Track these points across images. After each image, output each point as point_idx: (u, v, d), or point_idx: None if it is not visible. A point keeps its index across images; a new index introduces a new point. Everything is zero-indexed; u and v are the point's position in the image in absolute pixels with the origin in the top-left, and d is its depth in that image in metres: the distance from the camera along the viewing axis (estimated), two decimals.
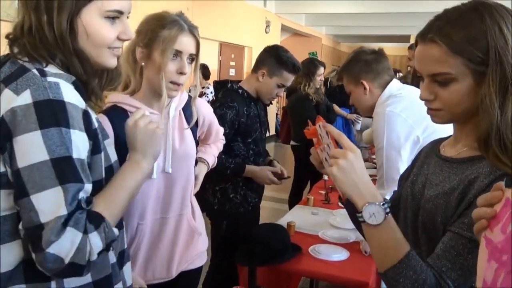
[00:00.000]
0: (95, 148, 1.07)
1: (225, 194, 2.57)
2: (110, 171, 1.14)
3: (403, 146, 2.02)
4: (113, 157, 1.18)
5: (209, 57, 8.76)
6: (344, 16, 12.14)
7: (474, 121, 1.01)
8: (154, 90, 1.60)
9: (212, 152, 2.08)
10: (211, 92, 7.24)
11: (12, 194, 0.98)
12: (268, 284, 2.19)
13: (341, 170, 0.97)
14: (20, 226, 0.97)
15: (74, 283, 1.05)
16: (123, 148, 1.24)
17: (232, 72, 10.17)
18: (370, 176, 1.04)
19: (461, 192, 1.00)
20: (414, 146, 2.01)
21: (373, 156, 3.70)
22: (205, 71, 7.52)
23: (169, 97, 1.60)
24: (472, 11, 1.00)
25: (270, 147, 9.58)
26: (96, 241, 0.98)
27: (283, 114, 5.68)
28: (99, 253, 1.00)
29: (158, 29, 1.54)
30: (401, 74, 7.88)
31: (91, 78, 1.12)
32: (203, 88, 7.39)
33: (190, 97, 1.79)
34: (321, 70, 4.70)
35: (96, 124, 1.09)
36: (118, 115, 1.56)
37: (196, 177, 1.87)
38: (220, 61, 9.81)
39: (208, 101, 5.29)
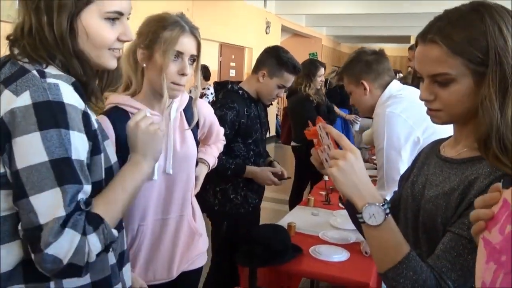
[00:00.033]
0: (95, 149, 1.07)
1: (226, 195, 2.57)
2: (110, 172, 1.14)
3: (403, 146, 2.02)
4: (113, 158, 1.18)
5: (210, 58, 8.76)
6: (344, 17, 12.14)
7: (474, 122, 1.02)
8: (155, 91, 1.60)
9: (213, 153, 2.08)
10: (212, 93, 7.25)
11: (11, 194, 0.98)
12: (268, 284, 2.19)
13: (341, 171, 0.97)
14: (19, 227, 0.97)
15: (73, 283, 1.05)
16: (124, 149, 1.24)
17: (232, 73, 10.18)
18: (370, 177, 1.04)
19: (461, 192, 1.00)
20: (415, 147, 2.01)
21: (374, 157, 3.69)
22: (205, 72, 7.53)
23: (170, 98, 1.60)
24: (472, 12, 1.00)
25: (270, 148, 9.58)
26: (94, 243, 0.98)
27: (283, 115, 5.68)
28: (98, 254, 1.00)
29: (159, 30, 1.54)
30: (401, 75, 7.88)
31: (91, 79, 1.12)
32: (203, 89, 7.40)
33: (191, 98, 1.79)
34: (321, 71, 4.70)
35: (95, 125, 1.09)
36: (119, 116, 1.56)
37: (196, 178, 1.87)
38: (220, 61, 9.81)
39: (209, 102, 5.29)
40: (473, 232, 0.68)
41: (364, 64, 2.17)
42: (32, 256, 0.95)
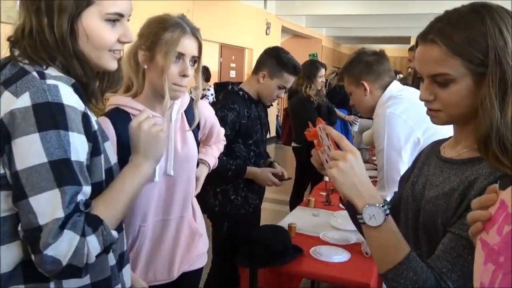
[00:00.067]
0: (95, 150, 1.07)
1: (226, 195, 2.57)
2: (110, 173, 1.14)
3: (403, 147, 2.02)
4: (113, 159, 1.18)
5: (210, 59, 8.77)
6: (344, 17, 12.15)
7: (474, 122, 1.02)
8: (157, 93, 1.60)
9: (213, 154, 2.08)
10: (212, 94, 7.25)
11: (11, 195, 0.98)
12: (269, 285, 2.19)
13: (340, 172, 0.97)
14: (19, 228, 0.97)
15: (73, 284, 1.05)
16: (125, 151, 1.24)
17: (232, 73, 10.19)
18: (370, 177, 1.04)
19: (461, 193, 1.00)
20: (415, 148, 2.01)
21: (374, 158, 3.69)
22: (206, 73, 7.53)
23: (172, 99, 1.60)
24: (473, 13, 1.00)
25: (270, 148, 9.58)
26: (94, 244, 0.98)
27: (284, 116, 5.69)
28: (98, 256, 1.00)
29: (160, 32, 1.54)
30: (401, 76, 7.89)
31: (91, 80, 1.12)
32: (203, 90, 7.39)
33: (192, 99, 1.79)
34: (322, 71, 4.70)
35: (95, 126, 1.09)
36: (120, 117, 1.56)
37: (197, 179, 1.87)
38: (220, 62, 9.83)
39: (209, 103, 5.29)
40: (470, 234, 0.68)
41: (365, 65, 2.18)
42: (32, 257, 0.96)
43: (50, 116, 0.95)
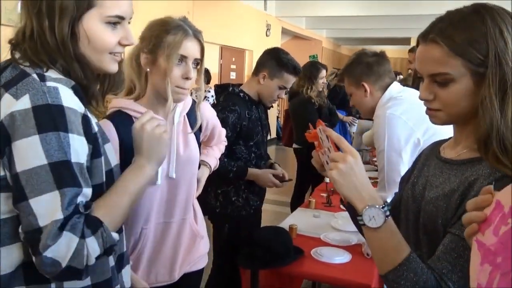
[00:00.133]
0: (95, 152, 1.07)
1: (227, 197, 2.57)
2: (111, 175, 1.14)
3: (403, 148, 2.02)
4: (114, 161, 1.18)
5: (210, 60, 8.77)
6: (344, 19, 12.16)
7: (473, 122, 1.02)
8: (159, 96, 1.60)
9: (214, 155, 2.08)
10: (212, 96, 7.26)
11: (11, 197, 0.98)
12: (270, 287, 2.19)
13: (340, 174, 0.98)
14: (20, 230, 0.97)
15: (74, 285, 1.05)
16: (128, 153, 1.24)
17: (233, 75, 10.19)
18: (371, 178, 1.04)
19: (461, 194, 1.00)
20: (415, 149, 2.01)
21: (375, 159, 3.69)
22: (206, 75, 7.54)
23: (175, 102, 1.59)
24: (474, 14, 1.01)
25: (271, 150, 9.59)
26: (93, 246, 0.98)
27: (285, 117, 5.69)
28: (98, 258, 1.00)
29: (162, 35, 1.53)
30: (401, 77, 7.90)
31: (91, 83, 1.12)
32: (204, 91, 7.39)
33: (194, 101, 1.79)
34: (323, 73, 4.70)
35: (96, 128, 1.09)
36: (122, 120, 1.56)
37: (198, 180, 1.87)
38: (221, 64, 9.83)
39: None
40: (466, 235, 0.68)
41: (365, 66, 2.18)
42: (33, 258, 0.96)
43: (50, 118, 0.96)
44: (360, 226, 1.00)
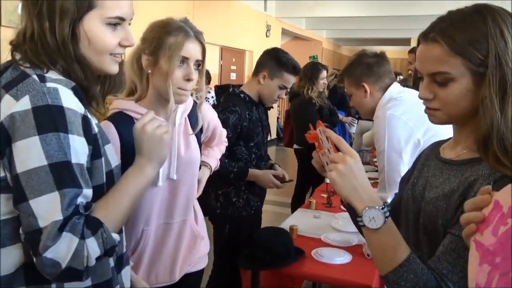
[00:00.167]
0: (95, 153, 1.07)
1: (228, 198, 2.57)
2: (111, 176, 1.14)
3: (404, 149, 2.02)
4: (114, 162, 1.18)
5: (210, 61, 8.76)
6: (344, 19, 12.17)
7: (473, 123, 1.02)
8: (161, 97, 1.59)
9: (215, 155, 2.08)
10: (212, 97, 7.26)
11: (12, 198, 0.98)
12: (270, 287, 2.19)
13: (340, 175, 0.98)
14: (20, 231, 0.97)
15: (74, 286, 1.05)
16: (129, 155, 1.23)
17: (233, 76, 10.19)
18: (371, 179, 1.04)
19: (461, 194, 1.00)
20: (415, 149, 2.01)
21: (375, 159, 3.69)
22: (207, 76, 7.53)
23: (176, 103, 1.59)
24: (475, 14, 1.01)
25: (271, 150, 9.59)
26: (93, 247, 0.98)
27: (285, 118, 5.68)
28: (98, 258, 1.00)
29: (163, 36, 1.53)
30: (401, 77, 7.88)
31: (92, 84, 1.12)
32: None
33: (195, 103, 1.79)
34: (324, 73, 4.70)
35: (96, 129, 1.09)
36: (123, 122, 1.55)
37: (198, 181, 1.87)
38: (221, 65, 9.83)
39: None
40: (464, 235, 0.68)
41: (365, 67, 2.18)
42: (34, 259, 0.96)
43: (50, 119, 0.96)
44: (360, 227, 1.01)
